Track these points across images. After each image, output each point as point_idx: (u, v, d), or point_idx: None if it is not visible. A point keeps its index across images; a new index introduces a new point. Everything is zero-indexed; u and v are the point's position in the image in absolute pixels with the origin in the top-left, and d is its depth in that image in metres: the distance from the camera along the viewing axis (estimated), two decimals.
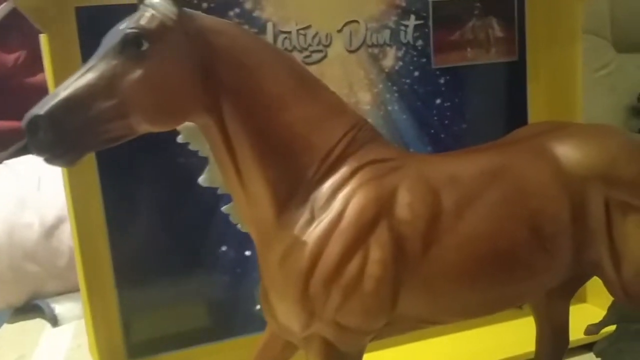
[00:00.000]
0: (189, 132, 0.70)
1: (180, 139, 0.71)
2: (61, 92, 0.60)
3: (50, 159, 0.60)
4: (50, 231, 1.61)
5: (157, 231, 1.20)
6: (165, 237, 1.19)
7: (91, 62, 0.62)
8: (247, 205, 0.70)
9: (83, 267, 1.12)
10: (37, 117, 0.58)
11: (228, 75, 0.65)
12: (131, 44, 0.61)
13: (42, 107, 0.59)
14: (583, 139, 0.77)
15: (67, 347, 1.41)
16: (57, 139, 0.59)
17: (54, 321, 1.53)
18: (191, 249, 1.19)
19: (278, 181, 0.68)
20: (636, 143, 0.78)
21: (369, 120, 0.76)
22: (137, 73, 0.61)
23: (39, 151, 0.59)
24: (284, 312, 0.70)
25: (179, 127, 0.70)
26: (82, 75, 0.61)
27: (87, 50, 0.66)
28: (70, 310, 1.54)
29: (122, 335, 1.20)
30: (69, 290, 1.59)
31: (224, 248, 1.19)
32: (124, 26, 0.62)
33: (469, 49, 1.22)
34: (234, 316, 1.21)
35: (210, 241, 1.18)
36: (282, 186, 0.68)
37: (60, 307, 1.57)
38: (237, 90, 0.66)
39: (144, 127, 0.63)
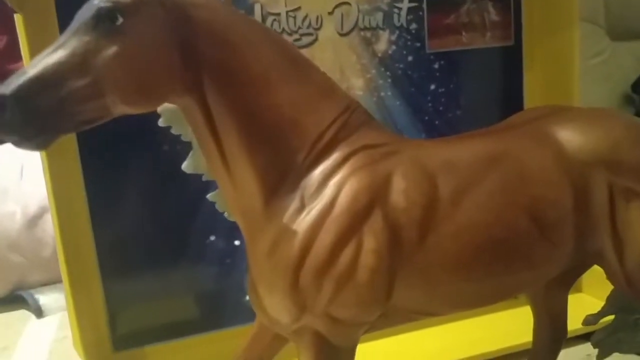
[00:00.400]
0: (170, 114, 0.67)
1: (161, 122, 0.67)
2: (29, 70, 0.56)
3: (20, 142, 0.56)
4: (34, 221, 1.59)
5: (142, 221, 1.17)
6: (151, 227, 1.17)
7: (62, 39, 0.58)
8: (233, 193, 0.67)
9: (65, 259, 1.10)
10: (2, 97, 0.54)
11: (210, 51, 0.62)
12: (105, 19, 0.57)
13: (7, 86, 0.55)
14: (585, 122, 0.74)
15: (52, 339, 1.39)
16: (25, 120, 0.55)
17: (39, 312, 1.51)
18: (178, 239, 1.17)
19: (266, 167, 0.65)
20: (639, 127, 0.75)
21: None
22: (112, 49, 0.57)
23: (6, 133, 0.55)
24: (273, 305, 0.67)
25: (159, 110, 0.66)
26: (53, 52, 0.57)
27: (66, 24, 0.61)
28: (55, 301, 1.51)
29: (108, 327, 1.17)
30: (53, 281, 1.56)
31: (212, 238, 1.16)
32: (98, 0, 0.58)
33: (464, 33, 1.20)
34: (222, 307, 1.19)
35: (198, 231, 1.16)
36: (270, 172, 0.65)
37: (45, 298, 1.54)
38: (220, 69, 0.62)
39: (120, 108, 0.59)
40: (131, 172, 1.14)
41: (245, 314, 1.12)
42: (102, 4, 0.57)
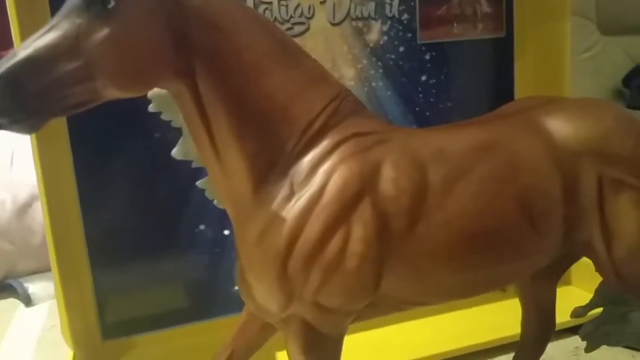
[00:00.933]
0: (161, 100, 0.66)
1: (151, 107, 0.67)
2: (20, 52, 0.55)
3: (9, 125, 0.56)
4: (24, 209, 1.58)
5: (132, 209, 1.16)
6: (141, 216, 1.16)
7: (54, 21, 0.57)
8: (222, 180, 0.66)
9: (55, 247, 1.09)
10: None
11: (201, 37, 0.61)
12: (97, 2, 0.56)
13: None
14: (576, 112, 0.74)
15: (41, 328, 1.39)
16: (15, 102, 0.54)
17: (28, 301, 1.50)
18: (168, 228, 1.17)
19: (256, 154, 0.64)
20: (630, 117, 0.75)
21: None
22: (103, 32, 0.57)
23: None
24: (262, 293, 0.66)
25: (149, 95, 0.66)
26: (44, 34, 0.56)
27: (57, 7, 0.61)
28: (45, 289, 1.51)
29: (97, 316, 1.17)
30: (43, 270, 1.55)
31: (201, 227, 1.16)
32: None
33: (455, 24, 1.20)
34: (212, 296, 1.19)
35: (188, 220, 1.16)
36: (259, 159, 0.64)
37: (34, 287, 1.54)
38: (212, 54, 0.62)
39: (111, 92, 0.59)
40: (122, 160, 1.14)
41: (234, 304, 1.11)
42: None
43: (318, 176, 0.64)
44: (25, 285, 1.53)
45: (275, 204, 0.64)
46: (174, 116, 0.67)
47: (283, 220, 0.63)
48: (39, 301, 1.50)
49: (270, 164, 0.65)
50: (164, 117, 0.67)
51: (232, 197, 0.67)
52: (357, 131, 0.67)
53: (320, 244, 0.63)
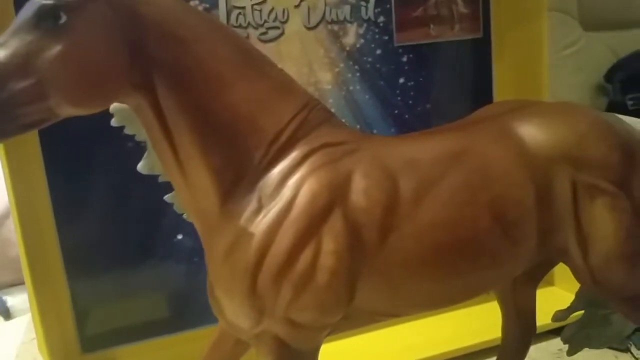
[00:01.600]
0: (123, 114, 0.64)
1: (113, 122, 0.65)
2: None
3: None
4: (1, 221, 1.56)
5: (108, 219, 1.15)
6: (117, 226, 1.15)
7: (2, 39, 0.55)
8: (187, 195, 0.65)
9: (28, 260, 1.08)
10: None
11: (160, 49, 0.59)
12: (47, 17, 0.55)
13: None
14: (548, 117, 0.73)
15: (20, 342, 1.36)
16: None
17: (6, 314, 1.48)
18: (145, 238, 1.15)
19: (221, 168, 0.63)
20: (604, 121, 0.74)
21: (330, 101, 0.71)
22: (55, 49, 0.55)
23: None
24: (231, 309, 0.65)
25: (111, 109, 0.64)
26: None
27: None
28: (24, 302, 1.46)
29: (75, 328, 1.15)
30: (21, 282, 1.51)
31: (179, 236, 1.15)
32: None
33: (432, 26, 1.19)
34: (191, 307, 1.17)
35: (165, 229, 1.14)
36: (226, 173, 0.63)
37: (13, 300, 1.52)
38: (171, 67, 0.60)
39: (66, 110, 0.57)
40: (96, 170, 1.12)
41: (214, 315, 1.11)
42: (45, 2, 0.55)
43: (287, 189, 0.63)
44: (4, 298, 1.51)
45: (243, 218, 0.63)
46: (137, 130, 0.65)
47: (251, 234, 0.62)
48: (17, 314, 1.47)
49: (237, 178, 0.63)
50: (127, 131, 0.66)
51: (199, 212, 0.66)
52: (326, 141, 0.66)
53: (290, 258, 0.62)
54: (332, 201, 0.63)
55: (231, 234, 0.63)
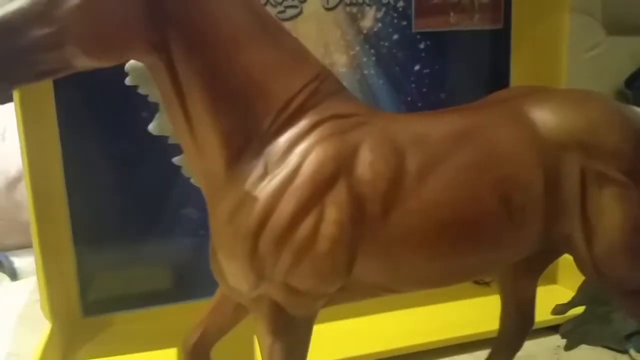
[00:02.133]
0: (138, 73, 0.65)
1: (128, 81, 0.65)
2: None
3: None
4: (13, 184, 1.57)
5: (118, 189, 1.16)
6: (126, 196, 1.16)
7: None
8: (196, 156, 0.65)
9: (37, 222, 1.09)
10: None
11: (177, 9, 0.60)
12: None
13: None
14: (562, 103, 0.72)
15: (24, 302, 1.38)
16: None
17: (13, 275, 1.50)
18: (153, 209, 1.16)
19: (230, 131, 0.63)
20: (618, 110, 0.73)
21: (344, 83, 0.71)
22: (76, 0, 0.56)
23: None
24: (232, 272, 0.66)
25: (127, 68, 0.65)
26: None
27: None
28: (31, 264, 1.48)
29: (79, 293, 1.17)
30: (30, 245, 1.54)
31: (187, 209, 1.15)
32: None
33: (452, 14, 1.18)
34: (194, 278, 1.18)
35: (173, 201, 1.15)
36: (234, 137, 0.63)
37: (20, 261, 1.54)
38: (187, 26, 0.61)
39: (81, 61, 0.58)
40: (108, 139, 1.13)
41: (216, 287, 1.11)
42: None
43: (293, 156, 0.63)
44: (11, 259, 1.53)
45: (248, 183, 0.63)
46: (151, 90, 0.66)
47: (256, 198, 0.63)
48: (24, 276, 1.49)
49: (245, 142, 0.64)
50: (140, 91, 0.66)
51: (206, 174, 0.66)
52: (336, 113, 0.66)
53: (292, 224, 0.62)
54: (337, 172, 0.63)
55: (236, 196, 0.63)
